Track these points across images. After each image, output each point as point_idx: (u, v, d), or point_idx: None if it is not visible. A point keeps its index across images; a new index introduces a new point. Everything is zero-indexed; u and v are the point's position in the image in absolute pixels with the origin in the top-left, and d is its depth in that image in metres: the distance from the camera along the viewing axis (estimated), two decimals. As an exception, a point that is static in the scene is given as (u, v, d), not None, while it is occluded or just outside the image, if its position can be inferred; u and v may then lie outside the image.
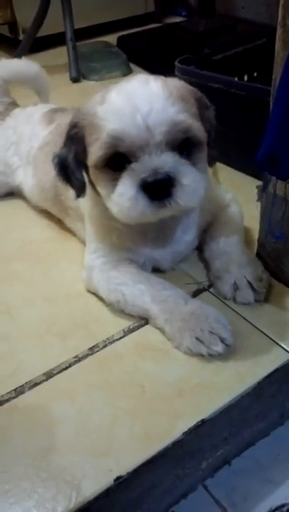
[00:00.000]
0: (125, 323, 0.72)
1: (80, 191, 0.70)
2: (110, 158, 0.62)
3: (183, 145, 0.62)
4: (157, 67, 1.50)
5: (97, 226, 0.77)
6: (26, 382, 0.65)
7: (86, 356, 0.68)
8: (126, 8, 1.95)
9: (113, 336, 0.71)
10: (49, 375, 0.66)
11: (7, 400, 0.64)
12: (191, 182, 0.62)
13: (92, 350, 0.69)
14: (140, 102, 0.60)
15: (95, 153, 0.63)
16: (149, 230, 0.72)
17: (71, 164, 0.68)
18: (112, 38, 1.73)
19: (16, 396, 0.64)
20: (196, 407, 0.61)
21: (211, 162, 0.72)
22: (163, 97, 0.60)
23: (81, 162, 0.68)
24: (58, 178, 0.71)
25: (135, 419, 0.60)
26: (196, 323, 0.66)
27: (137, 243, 0.75)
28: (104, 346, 0.70)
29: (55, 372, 0.67)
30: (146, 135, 0.59)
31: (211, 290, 0.76)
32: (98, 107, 0.62)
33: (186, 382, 0.64)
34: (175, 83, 0.65)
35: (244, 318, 0.71)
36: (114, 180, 0.63)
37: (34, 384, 0.65)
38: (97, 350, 0.69)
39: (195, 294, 0.76)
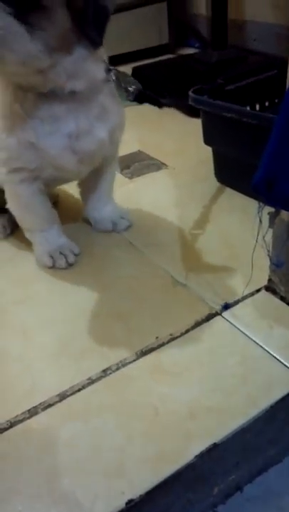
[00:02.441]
0: (138, 346, 0.73)
1: None
2: None
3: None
4: (171, 97, 1.55)
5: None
6: (40, 403, 0.66)
7: (99, 378, 0.69)
8: (141, 39, 2.01)
9: (126, 358, 0.72)
10: (62, 397, 0.67)
11: (21, 421, 0.64)
12: (5, 26, 0.58)
13: (106, 372, 0.70)
14: None
15: None
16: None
17: None
18: (127, 68, 1.79)
19: (30, 417, 0.65)
20: (209, 431, 0.61)
21: (93, 46, 0.70)
22: None
23: None
24: None
25: (148, 441, 0.60)
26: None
27: (36, 133, 0.75)
28: (118, 368, 0.70)
29: (68, 393, 0.67)
30: None
31: (223, 314, 0.77)
32: None
33: (199, 404, 0.64)
34: None
35: (255, 342, 0.72)
36: None
37: (48, 405, 0.66)
38: (110, 373, 0.70)
39: (207, 319, 0.77)
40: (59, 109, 0.74)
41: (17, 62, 0.63)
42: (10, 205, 0.87)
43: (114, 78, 0.78)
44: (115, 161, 0.95)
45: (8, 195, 0.86)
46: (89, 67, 0.72)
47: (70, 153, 0.78)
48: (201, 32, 2.08)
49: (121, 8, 0.72)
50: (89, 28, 0.67)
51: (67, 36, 0.67)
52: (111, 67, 0.78)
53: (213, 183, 1.12)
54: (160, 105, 0.92)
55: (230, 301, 0.79)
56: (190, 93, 1.09)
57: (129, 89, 0.83)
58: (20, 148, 0.77)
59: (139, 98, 0.85)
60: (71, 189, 1.07)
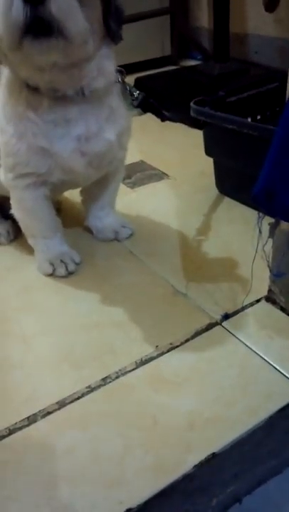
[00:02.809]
0: (138, 355, 0.73)
1: None
2: None
3: None
4: (173, 108, 1.56)
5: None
6: (39, 411, 0.66)
7: (99, 387, 0.69)
8: (144, 51, 2.03)
9: (126, 367, 0.72)
10: (62, 404, 0.67)
11: (20, 428, 0.64)
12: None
13: (105, 380, 0.70)
14: None
15: None
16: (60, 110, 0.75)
17: None
18: (130, 79, 1.80)
19: (29, 424, 0.65)
20: (207, 441, 0.61)
21: (115, 40, 0.74)
22: None
23: None
24: None
25: (146, 450, 0.60)
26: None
27: (48, 137, 0.76)
28: (117, 377, 0.70)
29: (67, 401, 0.67)
30: None
31: (223, 324, 0.77)
32: None
33: (198, 415, 0.64)
34: None
35: (256, 352, 0.72)
36: None
37: (47, 412, 0.66)
38: (110, 381, 0.70)
39: (207, 329, 0.77)
40: (72, 111, 0.75)
41: (76, 35, 0.64)
42: (15, 211, 0.87)
43: (121, 80, 0.80)
44: (121, 170, 0.96)
45: (13, 201, 0.86)
46: (107, 67, 0.75)
47: (79, 156, 0.79)
48: (203, 44, 2.10)
49: (125, 21, 0.73)
50: (112, 21, 0.72)
51: (100, 23, 0.70)
52: (119, 69, 0.79)
53: (214, 193, 1.13)
54: (163, 118, 0.93)
55: (230, 311, 0.80)
56: (192, 105, 1.10)
57: (134, 94, 0.84)
58: (29, 154, 0.77)
59: (144, 105, 0.86)
60: (74, 198, 1.08)
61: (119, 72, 0.80)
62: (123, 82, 0.81)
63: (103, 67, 0.75)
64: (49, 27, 0.62)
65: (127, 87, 0.83)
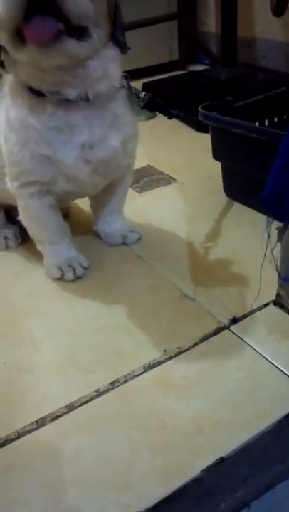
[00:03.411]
0: (146, 359, 0.73)
1: None
2: None
3: None
4: (180, 112, 1.57)
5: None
6: (48, 415, 0.66)
7: (107, 390, 0.69)
8: (151, 56, 2.04)
9: (134, 371, 0.72)
10: (70, 408, 0.67)
11: (29, 432, 0.65)
12: None
13: (113, 384, 0.70)
14: None
15: None
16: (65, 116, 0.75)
17: None
18: (137, 84, 1.81)
19: (38, 428, 0.65)
20: (216, 445, 0.61)
21: (121, 48, 0.75)
22: None
23: None
24: None
25: (155, 453, 0.60)
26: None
27: (51, 145, 0.76)
28: (125, 381, 0.71)
29: (76, 405, 0.68)
30: None
31: (231, 328, 0.77)
32: None
33: (206, 418, 0.64)
34: None
35: (263, 356, 0.72)
36: None
37: (56, 416, 0.66)
38: (118, 385, 0.70)
39: (214, 333, 0.77)
40: (75, 117, 0.75)
41: (77, 13, 0.62)
42: (22, 218, 0.88)
43: (126, 85, 0.80)
44: (130, 176, 0.96)
45: (19, 208, 0.87)
46: (112, 70, 0.75)
47: (83, 163, 0.79)
48: (210, 49, 2.11)
49: (133, 26, 0.74)
50: (119, 31, 0.73)
51: (104, 21, 0.69)
52: (124, 74, 0.79)
53: (222, 197, 1.13)
54: (170, 116, 0.93)
55: (239, 315, 0.80)
56: (200, 109, 1.10)
57: (140, 95, 0.84)
58: (33, 162, 0.78)
59: (150, 105, 0.86)
60: (82, 202, 1.09)
61: (124, 77, 0.79)
62: (128, 87, 0.82)
63: (108, 69, 0.74)
64: (52, 4, 0.60)
65: (133, 90, 0.83)
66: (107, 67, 0.74)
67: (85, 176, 0.80)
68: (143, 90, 1.51)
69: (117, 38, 0.74)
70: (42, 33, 0.63)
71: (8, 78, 0.77)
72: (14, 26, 0.63)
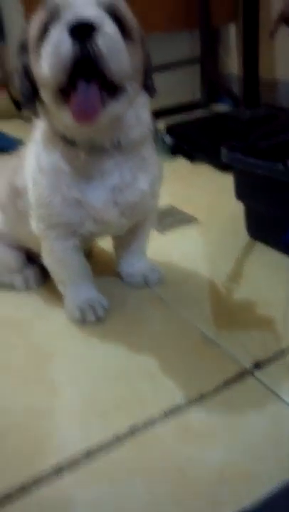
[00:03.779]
0: (166, 405, 0.72)
1: (27, 101, 0.74)
2: (42, 29, 0.66)
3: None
4: (203, 153, 1.58)
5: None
6: (66, 460, 0.65)
7: (126, 436, 0.68)
8: (175, 97, 2.09)
9: (154, 416, 0.70)
10: (89, 455, 0.66)
11: (46, 478, 0.63)
12: (114, 34, 0.64)
13: (133, 430, 0.69)
14: None
15: (32, 31, 0.68)
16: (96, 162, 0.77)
17: (21, 73, 0.72)
18: (160, 124, 1.85)
19: (55, 474, 0.64)
20: (238, 496, 0.59)
21: (150, 93, 0.78)
22: None
23: (28, 73, 0.72)
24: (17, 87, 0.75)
25: (174, 504, 0.58)
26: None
27: (82, 190, 0.78)
28: (145, 427, 0.69)
29: (95, 451, 0.66)
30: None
31: (254, 374, 0.76)
32: None
33: (228, 468, 0.62)
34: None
35: (287, 403, 0.70)
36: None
37: (74, 462, 0.65)
38: (138, 431, 0.69)
39: (237, 378, 0.75)
40: (107, 163, 0.77)
41: (118, 71, 0.66)
42: (45, 259, 0.89)
43: (153, 127, 0.82)
44: (154, 216, 0.97)
45: (43, 250, 0.88)
46: (143, 116, 0.77)
47: (112, 206, 0.80)
48: (232, 90, 2.15)
49: (157, 69, 0.76)
50: (147, 76, 0.75)
51: (140, 73, 0.73)
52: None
53: (245, 238, 1.13)
54: (192, 159, 0.95)
55: (262, 359, 0.78)
56: (223, 150, 1.11)
57: (166, 140, 0.86)
58: (63, 205, 0.79)
59: (175, 150, 0.89)
60: (104, 243, 1.10)
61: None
62: (155, 132, 0.83)
63: (139, 115, 0.77)
64: (95, 67, 0.64)
65: (158, 134, 0.85)
66: (138, 113, 0.77)
67: (113, 218, 0.82)
68: (167, 132, 1.55)
69: (146, 84, 0.76)
70: (87, 113, 0.66)
71: (40, 124, 0.80)
72: (58, 87, 0.67)
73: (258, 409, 0.70)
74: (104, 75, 0.65)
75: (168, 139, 0.87)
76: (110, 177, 0.79)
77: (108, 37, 0.63)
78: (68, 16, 0.63)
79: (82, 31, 0.62)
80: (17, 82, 0.74)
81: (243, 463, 0.63)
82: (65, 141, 0.76)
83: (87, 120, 0.67)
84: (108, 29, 0.64)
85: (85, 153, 0.76)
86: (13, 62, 0.74)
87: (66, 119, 0.69)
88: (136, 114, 0.76)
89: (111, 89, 0.68)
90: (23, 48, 0.72)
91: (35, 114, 0.76)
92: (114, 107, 0.69)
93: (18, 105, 2.59)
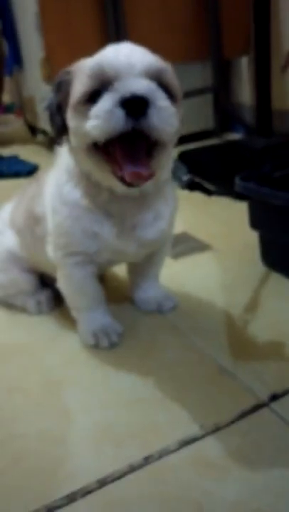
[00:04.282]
0: (181, 435, 0.71)
1: (58, 133, 0.75)
2: (91, 93, 0.67)
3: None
4: (216, 181, 1.60)
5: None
6: (79, 489, 0.64)
7: (140, 466, 0.67)
8: (188, 125, 2.12)
9: (169, 447, 0.69)
10: (102, 483, 0.65)
11: (59, 507, 0.62)
12: (167, 107, 0.66)
13: (147, 460, 0.68)
14: (124, 49, 0.68)
15: (77, 90, 0.69)
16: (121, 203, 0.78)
17: (53, 108, 0.74)
18: (174, 151, 1.87)
19: (68, 503, 0.63)
20: (256, 536, 0.57)
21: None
22: (145, 51, 0.69)
23: (61, 110, 0.74)
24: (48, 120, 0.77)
25: None
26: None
27: (102, 225, 0.79)
28: (160, 457, 0.68)
29: (108, 480, 0.65)
30: (127, 67, 0.66)
31: (271, 406, 0.75)
32: (90, 59, 0.70)
33: (246, 505, 0.60)
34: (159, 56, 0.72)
35: (307, 439, 0.68)
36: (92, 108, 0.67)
37: (87, 491, 0.64)
38: (152, 461, 0.67)
39: (253, 410, 0.74)
40: (128, 206, 0.78)
41: (168, 134, 0.68)
42: (61, 285, 0.89)
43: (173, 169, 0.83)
44: (168, 245, 0.98)
45: (59, 276, 0.88)
46: (169, 161, 0.78)
47: (132, 243, 0.82)
48: (244, 119, 2.18)
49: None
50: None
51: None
52: None
53: (260, 266, 1.13)
54: (209, 193, 0.96)
55: (279, 391, 0.77)
56: (237, 180, 1.12)
57: (183, 178, 0.88)
58: (82, 236, 0.80)
59: (191, 186, 0.90)
60: (116, 268, 1.10)
61: None
62: (174, 172, 0.85)
63: (167, 163, 0.78)
64: (146, 137, 0.66)
65: (176, 173, 0.87)
66: (167, 161, 0.78)
67: (132, 252, 0.83)
68: (179, 159, 1.56)
69: None
70: (140, 176, 0.67)
71: (65, 154, 0.80)
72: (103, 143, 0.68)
73: (276, 442, 0.68)
74: (155, 140, 0.67)
75: (185, 176, 0.88)
76: (131, 218, 0.80)
77: (161, 110, 0.65)
78: (121, 89, 0.64)
79: (136, 107, 0.63)
80: (49, 117, 0.76)
81: (262, 500, 0.61)
82: (89, 181, 0.77)
83: (140, 182, 0.68)
84: (161, 102, 0.65)
85: (109, 194, 0.77)
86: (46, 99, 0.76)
87: (110, 180, 0.71)
88: (167, 162, 0.78)
89: (154, 145, 0.70)
90: (59, 88, 0.74)
91: (61, 144, 0.78)
92: (160, 163, 0.70)
93: (33, 131, 2.64)
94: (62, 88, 0.73)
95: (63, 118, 0.74)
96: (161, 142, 0.68)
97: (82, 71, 0.69)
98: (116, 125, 0.64)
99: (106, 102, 0.65)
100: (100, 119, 0.65)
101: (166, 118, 0.66)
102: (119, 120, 0.64)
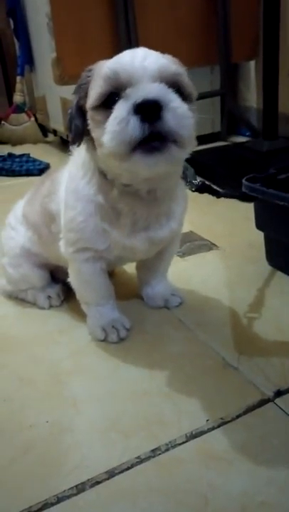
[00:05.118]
0: (188, 428, 0.72)
1: (75, 136, 0.76)
2: (106, 96, 0.68)
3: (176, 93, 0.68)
4: (222, 182, 1.61)
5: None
6: (88, 480, 0.65)
7: (148, 458, 0.68)
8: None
9: (176, 439, 0.71)
10: (111, 474, 0.66)
11: (68, 497, 0.63)
12: (180, 107, 0.66)
13: (154, 452, 0.69)
14: (139, 53, 0.68)
15: (93, 92, 0.70)
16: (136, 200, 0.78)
17: (73, 110, 0.75)
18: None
19: (77, 493, 0.64)
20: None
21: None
22: (162, 55, 0.70)
23: (82, 110, 0.74)
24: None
25: (198, 531, 0.58)
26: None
27: (113, 223, 0.80)
28: (167, 450, 0.69)
29: (116, 471, 0.66)
30: (141, 72, 0.66)
31: (275, 401, 0.76)
32: (107, 61, 0.71)
33: (251, 498, 0.61)
34: (175, 59, 0.73)
35: (311, 434, 0.70)
36: (109, 115, 0.67)
37: (96, 482, 0.65)
38: (159, 453, 0.69)
39: (258, 405, 0.75)
40: (139, 206, 0.79)
41: (188, 140, 0.68)
42: (72, 280, 0.91)
43: (184, 172, 0.85)
44: (177, 241, 0.99)
45: (70, 271, 0.90)
46: (180, 168, 0.80)
47: (142, 241, 0.83)
48: (251, 122, 2.19)
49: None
50: None
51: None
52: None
53: (264, 266, 1.14)
54: (218, 196, 0.98)
55: (283, 387, 0.78)
56: (244, 181, 1.14)
57: (194, 182, 0.89)
58: (93, 233, 0.82)
59: (201, 189, 0.92)
60: (126, 265, 1.11)
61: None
62: (185, 176, 0.86)
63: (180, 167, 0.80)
64: (164, 138, 0.66)
65: (187, 178, 0.88)
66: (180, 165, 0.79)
67: (142, 249, 0.85)
68: (186, 160, 1.57)
69: None
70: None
71: (81, 151, 0.81)
72: (122, 156, 0.67)
73: (281, 437, 0.70)
74: (173, 140, 0.67)
75: (195, 180, 0.89)
76: (143, 217, 0.81)
77: (176, 111, 0.65)
78: (134, 95, 0.65)
79: (150, 111, 0.63)
80: (68, 119, 0.76)
81: (267, 493, 0.62)
82: (101, 175, 0.78)
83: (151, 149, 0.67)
84: (174, 103, 0.65)
85: (119, 191, 0.78)
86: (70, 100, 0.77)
87: (127, 167, 0.69)
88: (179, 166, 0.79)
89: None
90: (80, 88, 0.74)
91: (79, 145, 0.78)
92: (177, 152, 0.69)
93: (44, 130, 2.67)
94: (82, 89, 0.74)
95: (85, 119, 0.74)
96: (180, 143, 0.68)
97: (99, 73, 0.70)
98: (133, 132, 0.64)
99: (120, 111, 0.65)
100: (115, 130, 0.65)
101: (182, 118, 0.66)
102: (135, 127, 0.64)
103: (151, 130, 0.64)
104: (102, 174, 0.78)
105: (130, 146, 0.65)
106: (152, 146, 0.65)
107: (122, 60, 0.69)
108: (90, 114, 0.72)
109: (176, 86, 0.69)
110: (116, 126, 0.65)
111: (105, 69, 0.69)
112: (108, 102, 0.68)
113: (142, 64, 0.67)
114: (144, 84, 0.66)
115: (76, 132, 0.76)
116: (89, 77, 0.73)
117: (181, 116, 0.66)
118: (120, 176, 0.74)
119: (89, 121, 0.73)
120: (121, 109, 0.65)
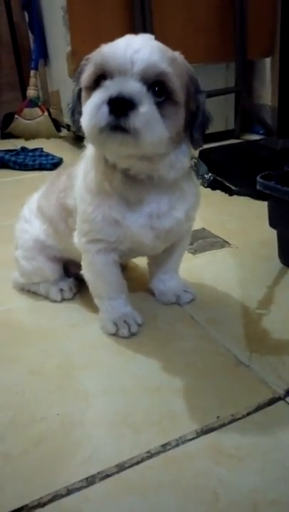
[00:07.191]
0: (198, 424, 0.72)
1: (74, 120, 0.78)
2: (96, 78, 0.70)
3: (158, 92, 0.69)
4: (235, 180, 1.61)
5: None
6: (98, 473, 0.66)
7: (158, 453, 0.68)
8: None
9: (186, 435, 0.71)
10: (121, 468, 0.66)
11: (78, 489, 0.64)
12: (149, 115, 0.67)
13: (165, 447, 0.69)
14: (136, 44, 0.69)
15: (86, 74, 0.72)
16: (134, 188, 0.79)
17: (74, 97, 0.77)
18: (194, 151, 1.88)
19: (87, 486, 0.64)
20: (272, 525, 0.58)
21: (194, 145, 0.79)
22: (157, 49, 0.70)
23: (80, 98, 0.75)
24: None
25: (208, 527, 0.58)
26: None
27: (121, 212, 0.81)
28: (177, 445, 0.69)
29: (127, 465, 0.67)
30: (128, 65, 0.68)
31: (287, 400, 0.75)
32: (104, 46, 0.72)
33: (262, 495, 0.61)
34: (177, 55, 0.73)
35: None
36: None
37: (106, 475, 0.65)
38: (170, 448, 0.69)
39: (269, 403, 0.75)
40: (144, 192, 0.80)
41: (151, 144, 0.69)
42: (85, 272, 0.91)
43: (194, 166, 0.84)
44: (188, 237, 0.99)
45: (84, 263, 0.90)
46: (181, 162, 0.79)
47: (148, 230, 0.83)
48: (265, 120, 2.18)
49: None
50: (195, 129, 0.77)
51: (180, 131, 0.75)
52: (193, 157, 0.83)
53: (276, 264, 1.14)
54: (231, 193, 0.98)
55: (295, 386, 0.78)
56: (258, 179, 1.13)
57: (206, 176, 0.88)
58: (103, 223, 0.82)
59: (213, 185, 0.92)
60: (137, 259, 1.11)
61: (191, 159, 0.83)
62: (196, 171, 0.86)
63: (177, 162, 0.79)
64: (127, 130, 0.67)
65: (199, 172, 0.87)
66: (176, 160, 0.78)
67: (149, 240, 0.85)
68: (200, 157, 1.57)
69: (193, 135, 0.78)
70: None
71: (90, 146, 0.82)
72: (92, 136, 0.70)
73: (291, 435, 0.70)
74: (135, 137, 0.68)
75: (208, 176, 0.89)
76: (148, 205, 0.82)
77: (142, 116, 0.66)
78: (112, 88, 0.67)
79: (120, 107, 0.66)
80: (69, 107, 0.79)
81: (277, 490, 0.62)
82: (106, 163, 0.79)
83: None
84: (145, 108, 0.66)
85: (122, 176, 0.79)
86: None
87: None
88: (173, 160, 0.78)
89: None
90: (79, 76, 0.75)
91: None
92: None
93: (57, 125, 2.67)
94: (79, 75, 0.75)
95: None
96: (146, 151, 0.70)
97: (93, 58, 0.72)
98: (101, 118, 0.67)
99: (96, 98, 0.68)
100: (88, 113, 0.68)
101: (146, 123, 0.67)
102: (104, 115, 0.67)
103: (117, 123, 0.67)
104: (105, 160, 0.79)
105: (102, 130, 0.68)
106: (116, 126, 0.67)
107: (115, 47, 0.70)
108: (83, 96, 0.74)
109: (160, 85, 0.69)
110: (90, 110, 0.68)
111: (98, 54, 0.71)
112: (95, 85, 0.70)
113: (132, 57, 0.68)
114: (126, 80, 0.68)
115: (78, 120, 0.76)
116: (86, 65, 0.74)
117: (146, 121, 0.67)
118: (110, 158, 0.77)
119: (83, 100, 0.74)
120: (97, 96, 0.68)
